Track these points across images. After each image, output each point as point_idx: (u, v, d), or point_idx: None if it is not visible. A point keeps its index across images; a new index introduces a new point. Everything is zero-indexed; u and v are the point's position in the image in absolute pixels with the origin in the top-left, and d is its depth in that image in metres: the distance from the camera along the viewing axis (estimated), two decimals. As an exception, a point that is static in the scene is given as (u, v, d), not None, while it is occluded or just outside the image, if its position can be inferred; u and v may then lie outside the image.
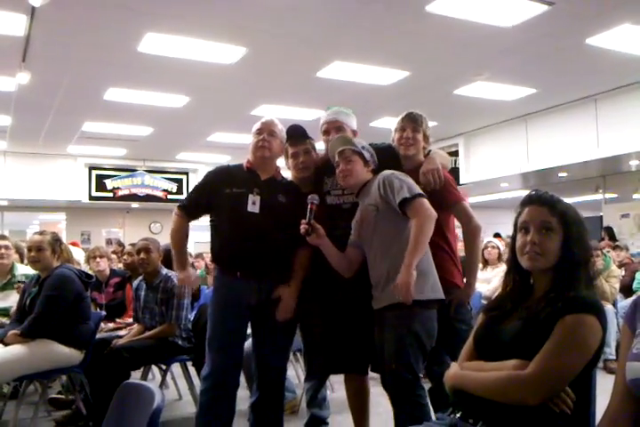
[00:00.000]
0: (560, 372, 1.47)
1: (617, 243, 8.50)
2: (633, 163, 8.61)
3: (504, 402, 1.49)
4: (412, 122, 2.86)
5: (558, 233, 1.62)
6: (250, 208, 2.71)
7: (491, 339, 1.67)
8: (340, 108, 2.99)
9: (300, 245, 2.72)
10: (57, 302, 3.38)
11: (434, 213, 2.45)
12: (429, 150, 2.97)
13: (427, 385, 2.66)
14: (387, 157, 2.81)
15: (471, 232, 2.82)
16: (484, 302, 5.30)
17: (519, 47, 5.88)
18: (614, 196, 10.34)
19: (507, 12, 5.04)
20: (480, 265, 5.79)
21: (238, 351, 2.77)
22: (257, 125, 2.84)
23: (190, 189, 2.99)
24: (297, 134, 2.94)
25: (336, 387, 4.14)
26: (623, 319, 1.45)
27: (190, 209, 2.87)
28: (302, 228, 2.55)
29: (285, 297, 2.73)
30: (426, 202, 2.47)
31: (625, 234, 9.48)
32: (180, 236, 2.87)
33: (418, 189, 2.53)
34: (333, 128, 2.89)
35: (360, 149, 2.67)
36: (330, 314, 2.81)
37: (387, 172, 2.62)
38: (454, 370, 1.68)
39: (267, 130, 2.80)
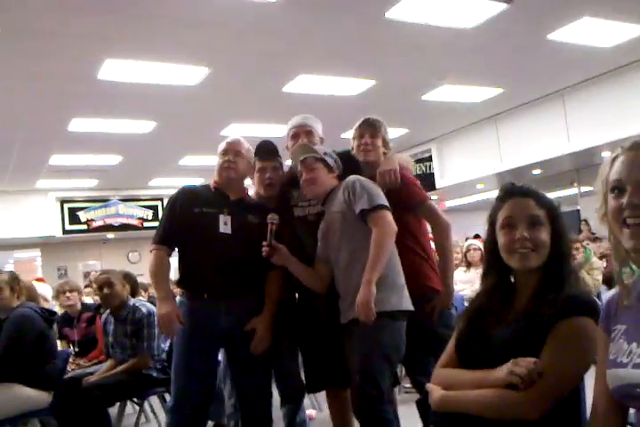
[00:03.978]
0: (561, 385, 1.36)
1: (596, 235, 8.52)
2: (605, 155, 8.67)
3: (501, 420, 1.36)
4: (369, 127, 2.78)
5: (547, 227, 1.51)
6: (222, 229, 2.60)
7: (476, 346, 1.52)
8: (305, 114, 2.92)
9: (270, 269, 2.62)
10: (18, 344, 3.24)
11: (393, 227, 2.39)
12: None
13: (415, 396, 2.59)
14: (344, 163, 2.72)
15: (440, 230, 2.73)
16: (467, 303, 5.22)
17: (481, 48, 5.88)
18: (590, 189, 10.41)
19: (465, 13, 5.04)
20: (463, 267, 5.76)
21: (208, 380, 2.60)
22: (222, 146, 2.74)
23: (159, 220, 2.78)
24: (267, 150, 2.85)
25: (324, 406, 4.02)
26: (599, 322, 1.34)
27: (165, 238, 2.67)
28: (263, 250, 2.50)
29: (260, 329, 2.59)
30: (386, 214, 2.41)
31: (604, 227, 9.52)
32: (161, 269, 2.62)
33: (380, 200, 2.45)
34: (303, 132, 2.82)
35: (322, 155, 2.60)
36: (303, 331, 2.72)
37: (352, 178, 2.54)
38: (439, 394, 1.50)
39: (232, 150, 2.70)
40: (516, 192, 1.57)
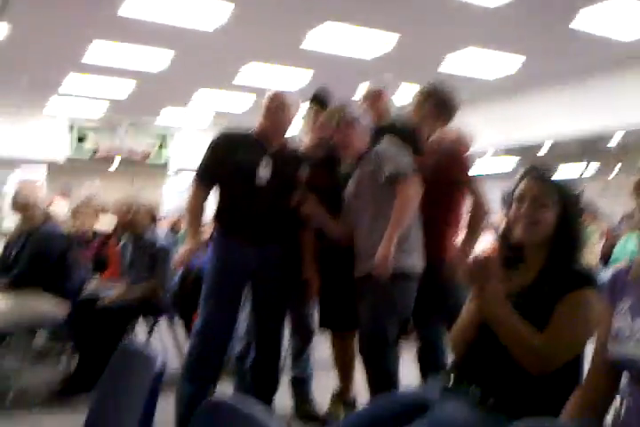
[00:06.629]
0: (566, 349, 1.50)
1: (597, 214, 8.59)
2: (615, 140, 8.68)
3: (509, 351, 1.48)
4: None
5: (553, 208, 1.60)
6: (260, 178, 2.69)
7: None
8: None
9: (302, 227, 2.78)
10: (42, 259, 3.38)
11: (418, 191, 2.49)
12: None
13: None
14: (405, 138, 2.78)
15: (479, 208, 2.79)
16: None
17: (511, 18, 5.81)
18: (596, 167, 10.47)
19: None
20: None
21: (234, 309, 2.74)
22: (269, 94, 2.81)
23: (201, 158, 2.84)
24: (324, 97, 2.95)
25: (319, 348, 4.17)
26: (604, 294, 1.45)
27: (205, 176, 2.79)
28: (294, 199, 2.65)
29: (313, 275, 2.81)
30: (411, 180, 2.49)
31: (605, 208, 9.62)
32: (198, 206, 2.78)
33: (407, 165, 2.53)
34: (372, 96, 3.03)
35: (357, 117, 2.69)
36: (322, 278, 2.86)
37: (383, 144, 2.64)
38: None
39: (280, 98, 2.77)
40: (533, 173, 1.66)
